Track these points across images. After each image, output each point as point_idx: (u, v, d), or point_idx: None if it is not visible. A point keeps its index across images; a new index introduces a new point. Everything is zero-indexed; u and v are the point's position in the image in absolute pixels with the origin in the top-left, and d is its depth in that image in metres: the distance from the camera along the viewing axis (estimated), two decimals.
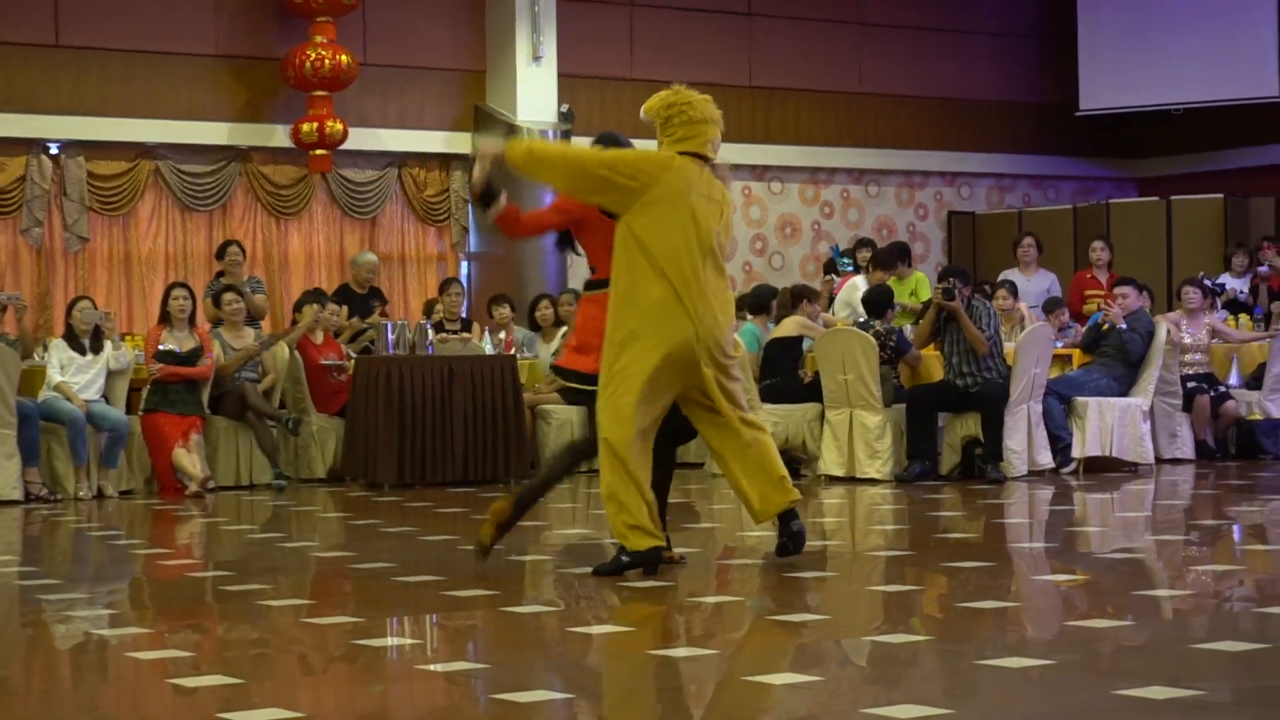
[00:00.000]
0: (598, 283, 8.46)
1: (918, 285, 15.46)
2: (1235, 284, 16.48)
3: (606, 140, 8.69)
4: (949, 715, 5.13)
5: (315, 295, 15.00)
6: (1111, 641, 6.45)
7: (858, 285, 15.35)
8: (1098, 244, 16.69)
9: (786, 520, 8.44)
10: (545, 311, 15.65)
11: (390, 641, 6.79)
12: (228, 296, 14.09)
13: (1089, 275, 16.42)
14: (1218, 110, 20.29)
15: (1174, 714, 5.11)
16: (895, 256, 15.49)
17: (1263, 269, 17.41)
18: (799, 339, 13.98)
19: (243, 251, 15.48)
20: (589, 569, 8.33)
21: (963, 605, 7.29)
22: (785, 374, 13.91)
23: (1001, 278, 16.14)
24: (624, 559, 8.11)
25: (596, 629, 7.02)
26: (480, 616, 7.27)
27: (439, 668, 6.18)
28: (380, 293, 16.15)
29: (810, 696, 5.59)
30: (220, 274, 15.30)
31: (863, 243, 16.92)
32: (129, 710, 5.77)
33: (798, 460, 13.92)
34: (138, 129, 16.47)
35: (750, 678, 5.89)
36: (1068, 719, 5.17)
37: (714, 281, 8.15)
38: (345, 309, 15.35)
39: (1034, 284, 16.43)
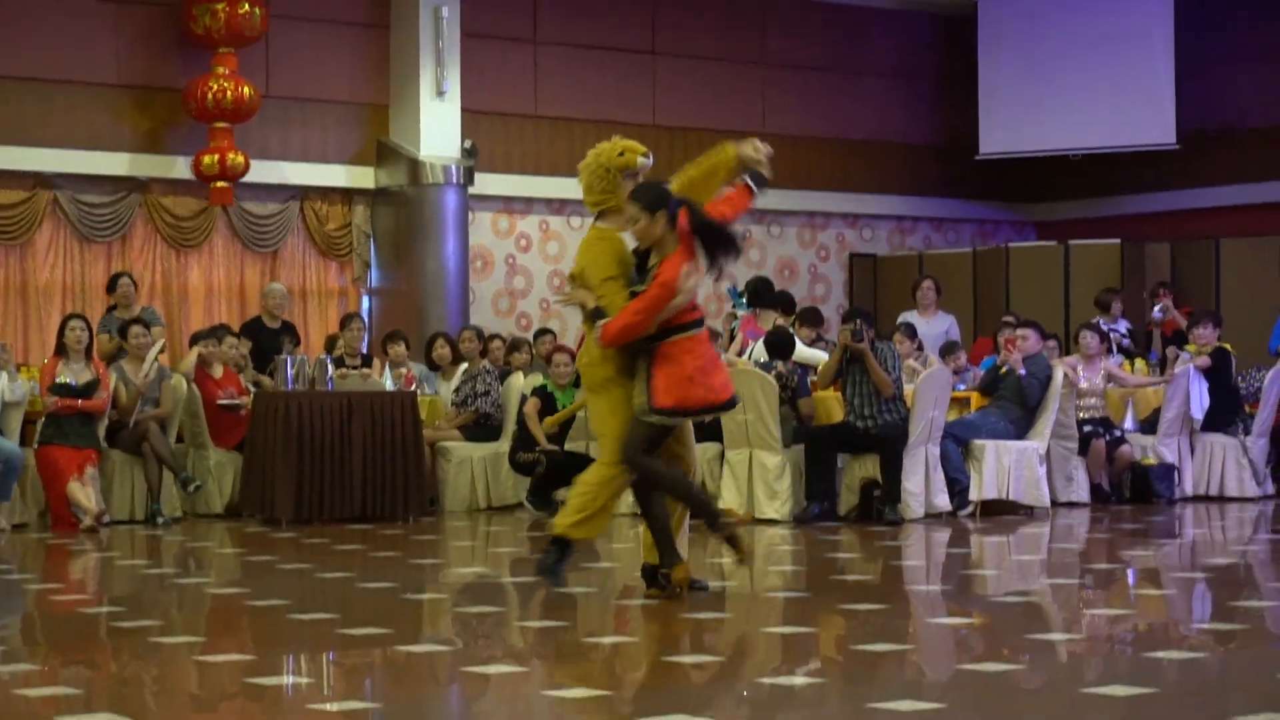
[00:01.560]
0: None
1: None
2: (1114, 329, 16.61)
3: (649, 193, 8.69)
4: None
5: (212, 330, 14.88)
6: (1005, 684, 6.48)
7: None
8: (926, 283, 16.82)
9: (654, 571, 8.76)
10: (442, 350, 15.61)
11: (284, 680, 6.73)
12: (135, 329, 13.92)
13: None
14: (1116, 156, 20.52)
15: None
16: (820, 314, 15.51)
17: (1156, 314, 17.62)
18: None
19: (134, 283, 15.33)
20: (487, 608, 8.30)
21: (859, 648, 7.31)
22: None
23: (901, 319, 16.24)
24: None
25: (495, 669, 6.99)
26: (375, 655, 7.23)
27: (333, 707, 6.13)
28: (293, 328, 16.01)
29: None
30: (112, 307, 15.16)
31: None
32: None
33: None
34: (35, 158, 16.31)
35: (644, 719, 5.88)
36: None
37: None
38: (249, 344, 15.22)
39: (932, 326, 16.55)
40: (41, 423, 13.36)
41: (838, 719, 5.96)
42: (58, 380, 13.29)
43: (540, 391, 14.53)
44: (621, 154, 8.74)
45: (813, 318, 15.13)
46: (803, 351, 14.02)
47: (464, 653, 7.42)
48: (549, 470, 14.16)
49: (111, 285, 15.28)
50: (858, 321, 13.09)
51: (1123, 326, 16.82)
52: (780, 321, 14.62)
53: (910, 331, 15.25)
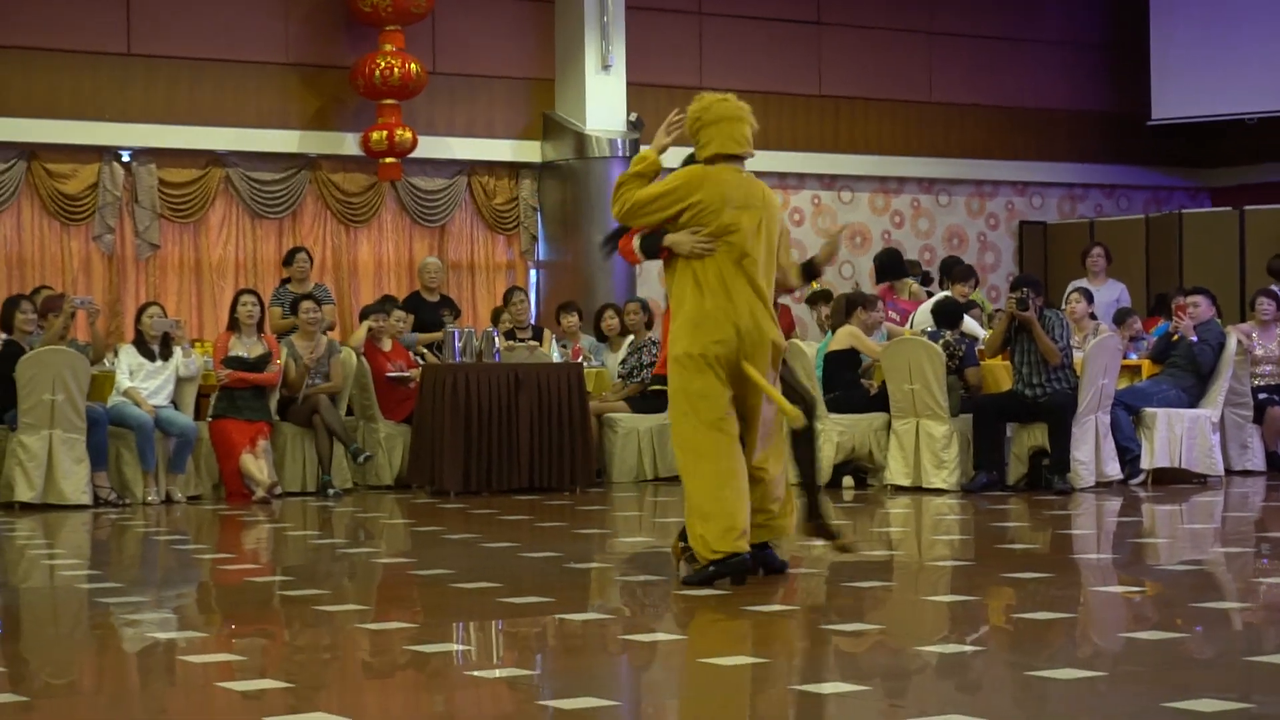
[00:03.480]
0: None
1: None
2: None
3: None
4: None
5: (381, 304, 15.05)
6: (1176, 653, 6.39)
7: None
8: (1096, 250, 16.54)
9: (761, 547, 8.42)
10: (611, 321, 15.67)
11: (450, 647, 6.79)
12: (305, 304, 14.09)
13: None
14: None
15: None
16: (971, 269, 15.41)
17: None
18: (853, 350, 13.88)
19: (310, 259, 15.58)
20: (653, 577, 8.32)
21: (1025, 616, 7.25)
22: (845, 386, 13.82)
23: (1072, 287, 16.00)
24: (710, 569, 8.05)
25: (658, 636, 7.01)
26: (538, 624, 7.27)
27: (498, 674, 6.18)
28: (451, 301, 16.17)
29: (862, 705, 5.57)
30: (286, 280, 15.37)
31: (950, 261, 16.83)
32: (194, 713, 5.80)
33: (864, 470, 13.88)
34: (208, 136, 16.56)
35: (801, 687, 5.87)
36: None
37: (746, 290, 8.15)
38: (411, 317, 15.38)
39: (1103, 294, 16.33)
40: (215, 396, 13.59)
41: (1000, 686, 5.90)
42: (230, 354, 13.51)
43: None
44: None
45: (965, 273, 15.02)
46: (967, 323, 13.92)
47: (629, 620, 7.44)
48: None
49: (289, 259, 15.51)
50: (1024, 290, 12.96)
51: None
52: (947, 291, 14.52)
53: (1087, 296, 14.99)
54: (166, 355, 13.40)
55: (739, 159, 8.32)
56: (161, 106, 16.39)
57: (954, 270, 15.59)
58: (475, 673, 6.27)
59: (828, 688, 5.78)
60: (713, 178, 8.22)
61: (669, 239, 8.20)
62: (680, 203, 8.19)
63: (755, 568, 8.25)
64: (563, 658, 6.69)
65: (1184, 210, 20.13)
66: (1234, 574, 8.80)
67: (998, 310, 14.86)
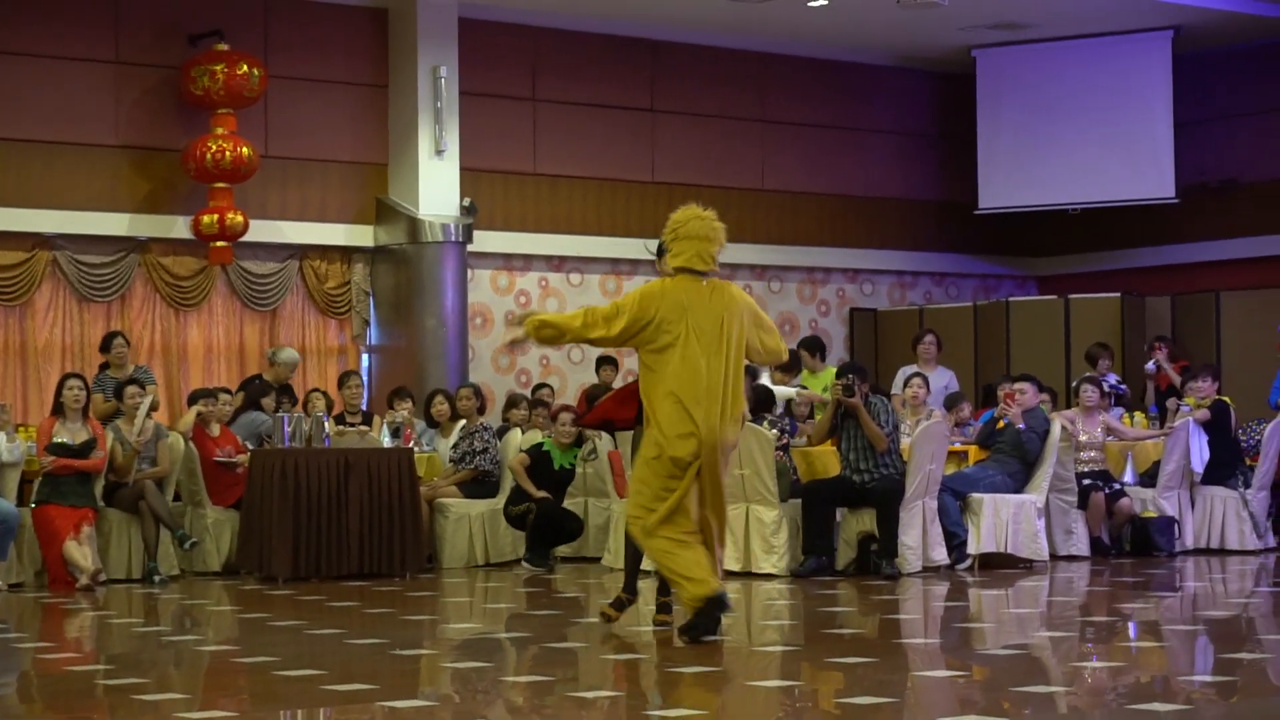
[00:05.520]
0: None
1: (830, 379, 15.47)
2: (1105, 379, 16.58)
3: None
4: None
5: (212, 391, 14.88)
6: None
7: (760, 378, 15.33)
8: (928, 338, 16.79)
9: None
10: (441, 406, 15.62)
11: None
12: (130, 390, 13.91)
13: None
14: (1115, 210, 20.53)
15: None
16: (797, 360, 15.53)
17: (1150, 368, 17.66)
18: None
19: (127, 343, 15.37)
20: (482, 664, 8.27)
21: (853, 701, 7.27)
22: None
23: (908, 373, 16.05)
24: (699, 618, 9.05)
25: None
26: (366, 711, 7.19)
27: None
28: (291, 389, 16.01)
29: None
30: (105, 365, 15.16)
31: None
32: None
33: None
34: (35, 219, 16.34)
35: None
36: None
37: (719, 384, 9.14)
38: (240, 396, 15.25)
39: (934, 380, 16.50)
40: (39, 482, 13.34)
41: None
42: (55, 440, 13.29)
43: (535, 450, 14.54)
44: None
45: (789, 363, 15.14)
46: (778, 389, 14.11)
47: (457, 707, 7.38)
48: (539, 520, 14.19)
49: (105, 345, 15.30)
50: (850, 376, 13.11)
51: (1112, 379, 16.79)
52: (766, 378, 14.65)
53: (927, 381, 15.10)
54: None
55: (702, 274, 9.24)
56: None
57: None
58: None
59: None
60: (670, 292, 9.19)
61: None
62: (640, 322, 9.16)
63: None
64: None
65: (1011, 299, 20.45)
66: (1059, 658, 8.90)
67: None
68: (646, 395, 9.27)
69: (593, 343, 9.48)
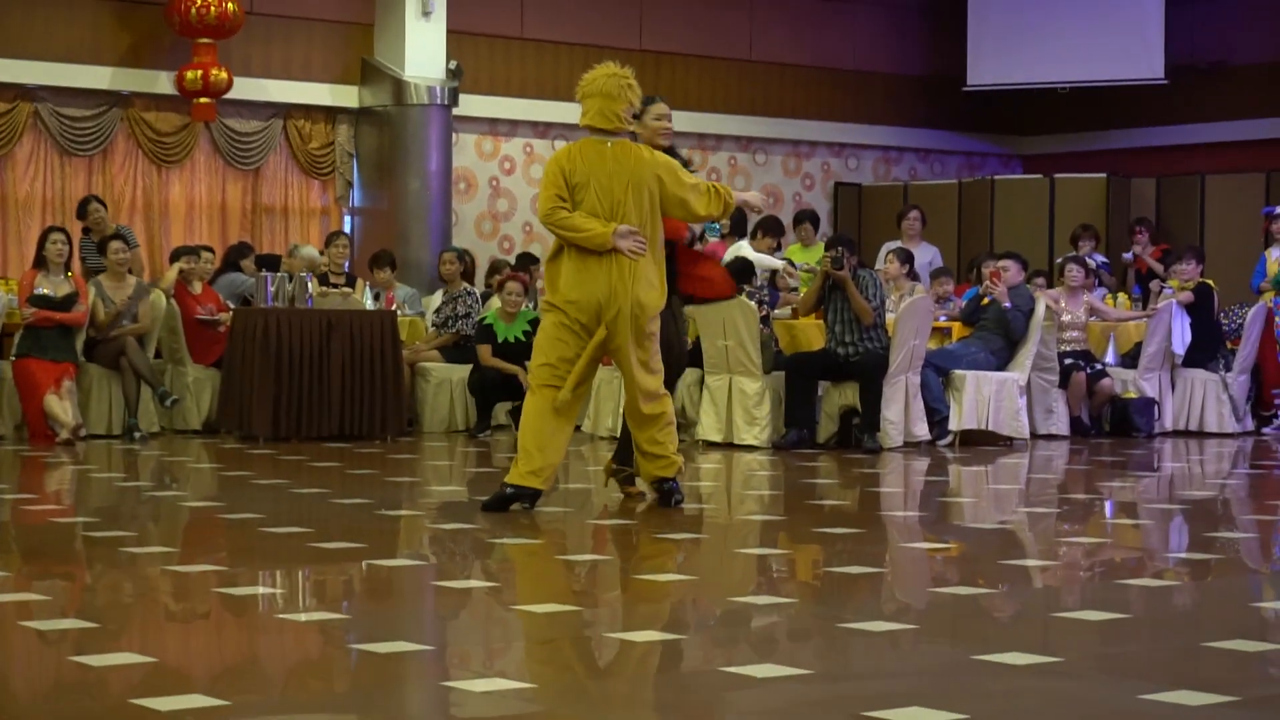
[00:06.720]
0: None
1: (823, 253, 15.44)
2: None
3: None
4: (810, 675, 5.14)
5: (189, 248, 14.80)
6: (979, 609, 6.48)
7: (742, 248, 15.28)
8: (913, 213, 16.77)
9: (660, 482, 9.15)
10: (451, 267, 15.46)
11: (257, 590, 6.71)
12: (114, 245, 13.83)
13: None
14: (1103, 90, 20.47)
15: (1029, 679, 5.14)
16: (780, 224, 15.47)
17: (1128, 256, 17.69)
18: None
19: (104, 206, 15.22)
20: (464, 525, 8.30)
21: (834, 570, 7.31)
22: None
23: (887, 248, 16.12)
24: (507, 490, 8.80)
25: (470, 583, 6.98)
26: (349, 569, 7.21)
27: (306, 618, 6.12)
28: (277, 260, 15.86)
29: (675, 655, 5.59)
30: (86, 230, 15.02)
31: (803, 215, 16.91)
32: None
33: (677, 425, 13.90)
34: (17, 70, 16.19)
35: (616, 635, 5.87)
36: (925, 679, 5.18)
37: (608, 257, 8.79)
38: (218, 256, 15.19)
39: (918, 256, 16.49)
40: (19, 335, 13.31)
41: (809, 637, 5.95)
42: (36, 292, 13.24)
43: (484, 330, 14.39)
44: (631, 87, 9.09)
45: (773, 226, 15.08)
46: (762, 259, 14.01)
47: (439, 568, 7.41)
48: (471, 390, 14.22)
49: (81, 210, 15.14)
50: (839, 249, 13.07)
51: (1098, 258, 16.80)
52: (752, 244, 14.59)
53: (905, 256, 15.14)
54: None
55: (608, 133, 8.91)
56: None
57: (765, 222, 15.59)
58: (283, 616, 6.20)
59: (639, 635, 5.78)
60: (574, 155, 8.89)
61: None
62: (561, 187, 8.83)
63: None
64: (372, 602, 6.63)
65: (996, 176, 20.41)
66: (1036, 534, 8.94)
67: (805, 268, 14.94)
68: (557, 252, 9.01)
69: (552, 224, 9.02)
